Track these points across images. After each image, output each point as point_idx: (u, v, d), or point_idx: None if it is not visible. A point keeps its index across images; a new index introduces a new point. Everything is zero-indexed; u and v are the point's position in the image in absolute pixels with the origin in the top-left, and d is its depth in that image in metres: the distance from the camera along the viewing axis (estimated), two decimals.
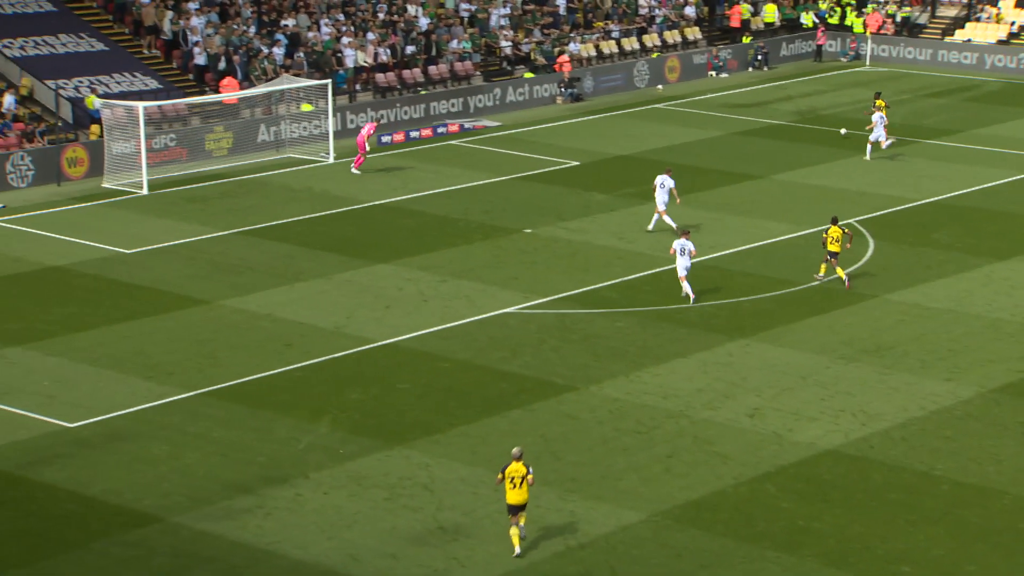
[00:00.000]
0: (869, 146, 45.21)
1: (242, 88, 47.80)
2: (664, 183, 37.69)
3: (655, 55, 59.36)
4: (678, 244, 32.68)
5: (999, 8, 63.06)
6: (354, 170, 44.23)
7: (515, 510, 22.07)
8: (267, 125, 47.12)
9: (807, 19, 64.94)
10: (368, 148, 44.26)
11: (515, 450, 22.26)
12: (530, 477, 21.99)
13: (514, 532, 22.11)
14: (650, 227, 38.06)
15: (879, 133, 45.15)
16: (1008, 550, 22.16)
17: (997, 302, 32.80)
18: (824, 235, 33.76)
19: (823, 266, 33.88)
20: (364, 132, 44.50)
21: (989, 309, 32.37)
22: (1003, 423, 26.58)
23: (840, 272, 33.58)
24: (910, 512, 23.34)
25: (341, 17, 53.93)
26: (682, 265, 32.53)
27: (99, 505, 23.41)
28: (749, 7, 64.08)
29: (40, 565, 21.70)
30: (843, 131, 46.00)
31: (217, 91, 47.52)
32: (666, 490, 24.06)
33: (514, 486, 21.92)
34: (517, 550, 22.08)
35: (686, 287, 32.55)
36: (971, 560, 21.89)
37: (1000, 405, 27.33)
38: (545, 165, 45.53)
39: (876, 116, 45.41)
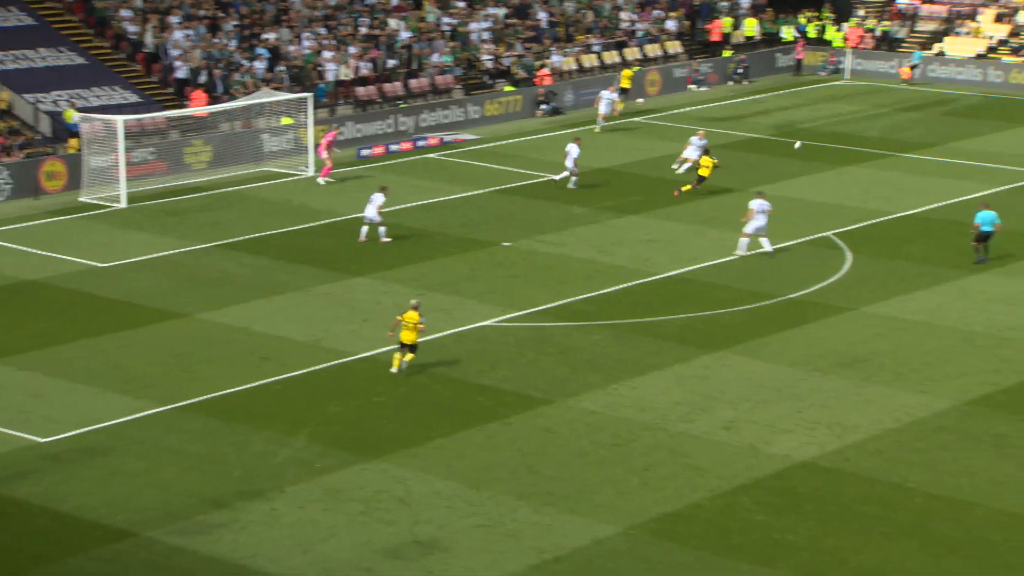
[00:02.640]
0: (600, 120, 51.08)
1: (223, 101, 47.80)
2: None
3: (636, 69, 59.50)
4: (374, 196, 38.02)
5: (978, 22, 63.43)
6: (320, 180, 44.24)
7: (404, 348, 28.68)
8: (247, 139, 47.12)
9: (787, 33, 65.17)
10: (327, 155, 44.30)
11: (413, 301, 29.08)
12: (421, 325, 28.60)
13: (397, 356, 28.83)
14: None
15: (605, 110, 50.94)
16: (981, 563, 22.23)
17: (971, 315, 32.94)
18: (697, 162, 42.07)
19: (687, 186, 41.86)
20: (324, 141, 44.60)
21: (963, 322, 32.50)
22: (976, 436, 26.67)
23: (687, 188, 41.89)
24: (884, 525, 23.39)
25: (323, 31, 53.99)
26: (369, 212, 37.97)
27: (73, 521, 23.31)
28: (732, 21, 64.31)
29: None
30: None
31: (204, 104, 47.52)
32: (642, 503, 24.08)
33: (407, 328, 28.48)
34: (393, 369, 28.84)
35: (362, 233, 37.96)
36: (945, 573, 21.95)
37: (973, 418, 27.42)
38: (524, 178, 45.61)
39: (605, 93, 51.45)
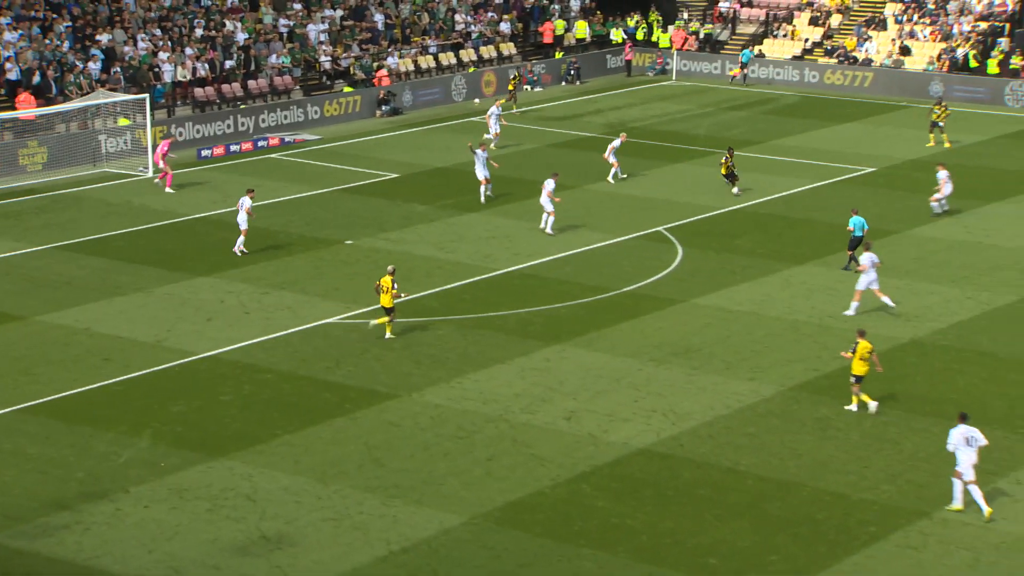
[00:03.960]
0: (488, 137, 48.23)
1: (58, 103, 46.47)
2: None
3: (472, 70, 59.71)
4: (242, 200, 36.67)
5: (794, 26, 65.21)
6: (168, 189, 43.07)
7: (387, 311, 30.70)
8: (83, 140, 45.90)
9: (616, 35, 66.09)
10: (163, 164, 42.90)
11: (389, 267, 31.13)
12: (395, 291, 30.37)
13: (383, 319, 30.88)
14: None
15: (495, 127, 48.37)
16: (807, 540, 22.87)
17: (795, 305, 33.85)
18: (721, 161, 42.65)
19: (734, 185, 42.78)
20: (159, 150, 43.35)
21: (788, 311, 33.38)
22: (801, 419, 27.42)
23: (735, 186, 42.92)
24: (717, 507, 23.89)
25: (158, 32, 52.89)
26: (241, 219, 36.55)
27: None
28: (564, 23, 64.93)
29: None
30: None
31: (30, 107, 46.11)
32: (486, 493, 24.17)
33: (383, 292, 30.44)
34: (388, 335, 30.81)
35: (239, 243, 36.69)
36: (774, 551, 22.51)
37: (799, 402, 28.19)
38: (365, 178, 45.40)
39: (493, 109, 48.80)
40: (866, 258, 32.57)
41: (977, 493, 23.33)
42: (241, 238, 36.73)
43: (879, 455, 25.79)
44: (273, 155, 48.32)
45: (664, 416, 27.39)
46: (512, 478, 24.73)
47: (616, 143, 44.62)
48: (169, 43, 52.28)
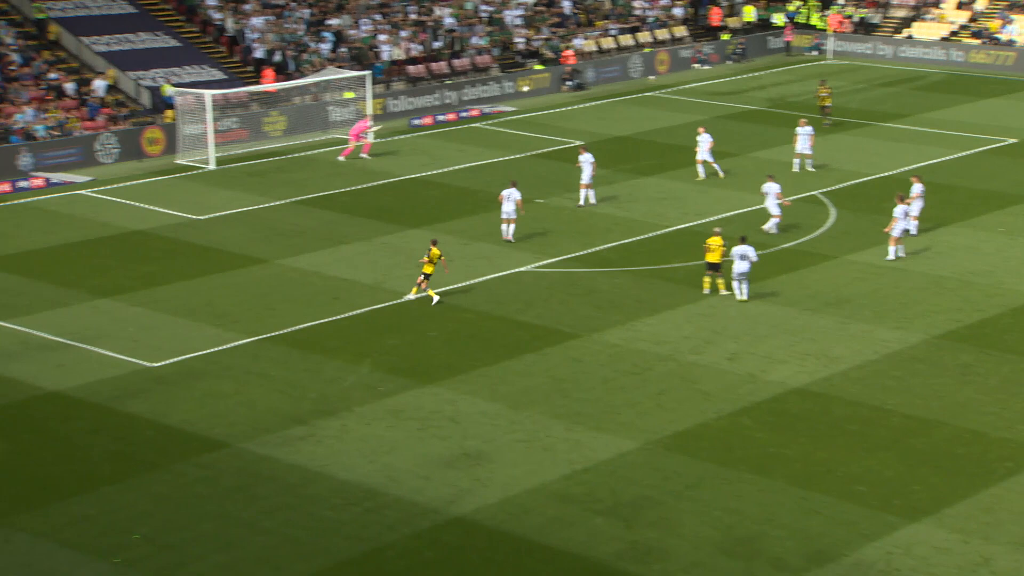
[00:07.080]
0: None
1: (296, 78, 47.59)
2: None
3: (647, 50, 58.94)
4: (506, 204, 33.43)
5: (942, 9, 62.45)
6: (340, 158, 42.30)
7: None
8: (315, 110, 46.95)
9: (778, 19, 64.35)
10: (355, 141, 42.15)
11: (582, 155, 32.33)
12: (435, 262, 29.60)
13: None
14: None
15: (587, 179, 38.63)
16: (948, 472, 22.15)
17: (939, 262, 32.62)
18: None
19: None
20: (357, 127, 42.56)
21: (932, 268, 32.19)
22: (944, 365, 26.49)
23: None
24: (865, 441, 23.31)
25: (379, 17, 53.66)
26: (505, 221, 33.55)
27: (176, 433, 23.51)
28: (746, 8, 63.50)
29: (129, 482, 21.85)
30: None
31: (272, 81, 47.31)
32: (657, 423, 24.05)
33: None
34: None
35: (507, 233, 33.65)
36: (917, 481, 21.88)
37: (941, 350, 27.22)
38: (554, 144, 45.31)
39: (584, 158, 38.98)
40: (899, 210, 32.22)
41: (742, 289, 28.78)
42: (510, 227, 33.05)
43: (1016, 398, 24.77)
44: (474, 124, 48.60)
45: (817, 359, 26.79)
46: (680, 410, 24.55)
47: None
48: (387, 27, 52.98)
